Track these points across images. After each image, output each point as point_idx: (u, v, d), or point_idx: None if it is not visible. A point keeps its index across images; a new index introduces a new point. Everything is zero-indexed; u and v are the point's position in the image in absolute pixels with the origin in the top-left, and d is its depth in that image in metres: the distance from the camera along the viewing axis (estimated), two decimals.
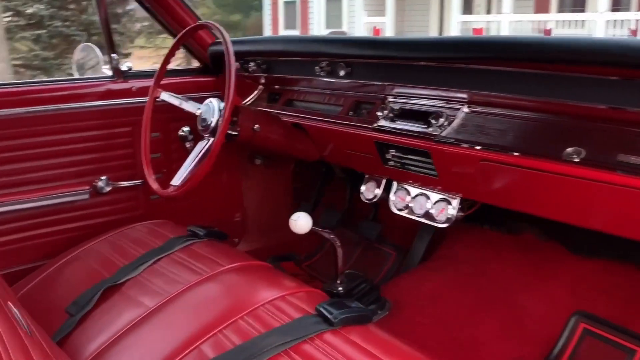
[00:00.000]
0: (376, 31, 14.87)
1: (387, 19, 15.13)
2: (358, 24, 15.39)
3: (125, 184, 1.96)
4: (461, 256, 1.82)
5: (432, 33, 14.79)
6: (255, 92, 2.06)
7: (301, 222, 1.43)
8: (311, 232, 2.39)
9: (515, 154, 1.24)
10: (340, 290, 1.56)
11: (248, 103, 2.04)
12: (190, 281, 1.32)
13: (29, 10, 10.73)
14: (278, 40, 1.83)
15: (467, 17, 13.89)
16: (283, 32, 17.09)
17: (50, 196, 1.79)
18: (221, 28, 1.54)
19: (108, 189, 1.92)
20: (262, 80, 2.02)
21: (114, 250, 1.56)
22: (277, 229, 2.38)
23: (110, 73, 1.92)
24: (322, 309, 1.11)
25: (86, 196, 1.86)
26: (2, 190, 1.70)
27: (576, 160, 1.14)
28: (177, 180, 1.61)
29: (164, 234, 1.60)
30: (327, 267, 2.24)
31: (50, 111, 1.78)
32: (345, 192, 2.33)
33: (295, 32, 16.64)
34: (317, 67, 1.66)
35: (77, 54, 1.96)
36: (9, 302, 0.66)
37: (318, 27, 16.33)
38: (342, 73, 1.60)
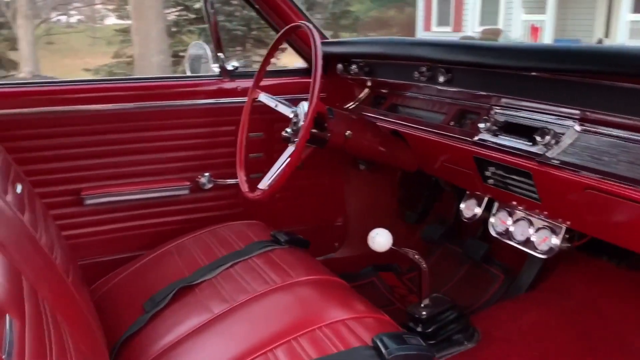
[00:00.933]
0: (534, 30, 14.00)
1: (547, 17, 14.15)
2: (515, 22, 14.58)
3: (227, 181, 1.98)
4: (570, 289, 1.60)
5: (598, 33, 13.58)
6: (361, 94, 1.99)
7: (379, 240, 1.33)
8: (417, 244, 2.27)
9: (629, 185, 1.04)
10: (424, 314, 1.44)
11: (352, 106, 1.97)
12: (257, 291, 1.28)
13: (197, 6, 11.57)
14: (378, 43, 1.73)
15: (638, 16, 12.58)
16: (435, 28, 16.72)
17: (154, 189, 1.86)
18: (313, 29, 1.48)
19: (210, 185, 1.95)
20: (369, 83, 1.94)
21: (200, 249, 1.57)
22: None
23: (218, 71, 1.94)
24: (378, 341, 1.01)
25: (187, 191, 1.91)
26: (109, 181, 1.79)
27: None
28: (264, 183, 1.59)
29: (249, 237, 1.58)
30: (430, 284, 2.11)
31: (160, 107, 1.84)
32: (452, 205, 2.17)
33: (447, 29, 16.20)
34: (416, 72, 1.54)
35: (190, 51, 2.01)
36: (7, 314, 0.66)
37: (472, 24, 15.74)
38: (441, 79, 1.46)
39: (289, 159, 1.50)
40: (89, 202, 1.77)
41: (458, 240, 2.10)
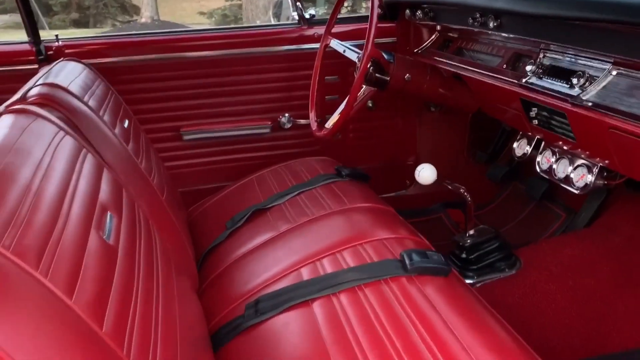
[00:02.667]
0: None
1: None
2: None
3: (305, 121, 2.19)
4: (617, 226, 1.67)
5: None
6: (432, 38, 2.09)
7: (425, 174, 1.49)
8: (486, 184, 2.38)
9: None
10: (468, 242, 1.59)
11: (421, 50, 2.08)
12: (316, 215, 1.50)
13: None
14: None
15: None
16: None
17: (240, 127, 2.12)
18: None
19: (289, 125, 2.18)
20: (438, 28, 2.04)
21: (275, 179, 1.81)
22: (448, 176, 2.41)
23: (297, 19, 2.13)
24: (404, 255, 1.19)
25: (268, 130, 2.15)
26: (203, 120, 2.07)
27: None
28: (329, 123, 1.78)
29: (316, 170, 1.80)
30: (494, 221, 2.22)
31: (246, 54, 2.07)
32: None
33: None
34: (470, 18, 1.63)
35: (274, 0, 2.21)
36: (109, 212, 0.91)
37: None
38: (492, 25, 1.55)
39: (346, 101, 1.68)
40: (186, 137, 2.07)
41: (522, 180, 2.19)
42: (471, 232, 1.62)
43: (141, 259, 0.94)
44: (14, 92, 1.37)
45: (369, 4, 1.74)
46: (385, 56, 1.73)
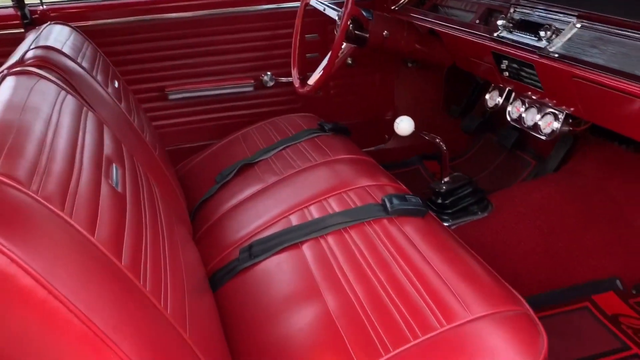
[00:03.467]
0: None
1: None
2: None
3: (287, 79, 2.26)
4: (583, 170, 1.79)
5: None
6: None
7: (403, 125, 1.58)
8: (461, 136, 2.49)
9: (610, 75, 1.22)
10: (443, 189, 1.70)
11: (398, 7, 2.15)
12: (302, 167, 1.59)
13: None
14: None
15: None
16: None
17: (224, 86, 2.18)
18: None
19: (271, 83, 2.25)
20: None
21: (261, 136, 1.89)
22: (425, 129, 2.51)
23: None
24: (385, 199, 1.30)
25: (251, 88, 2.21)
26: (186, 79, 2.13)
27: None
28: (312, 79, 1.85)
29: (300, 126, 1.88)
30: (469, 170, 2.34)
31: (226, 14, 2.12)
32: None
33: None
34: None
35: None
36: (114, 164, 0.99)
37: None
38: None
39: (328, 57, 1.75)
40: (172, 97, 2.13)
41: (494, 130, 2.30)
42: (446, 179, 1.72)
43: (146, 206, 1.02)
44: (2, 55, 1.42)
45: None
46: (365, 14, 1.80)
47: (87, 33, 1.76)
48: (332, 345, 0.97)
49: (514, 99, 1.67)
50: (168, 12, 2.07)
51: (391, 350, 0.92)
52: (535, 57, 1.43)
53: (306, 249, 1.24)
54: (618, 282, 1.55)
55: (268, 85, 2.24)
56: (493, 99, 1.78)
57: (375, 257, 1.16)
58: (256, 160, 1.72)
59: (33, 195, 0.70)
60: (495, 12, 1.68)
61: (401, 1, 2.17)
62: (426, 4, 2.03)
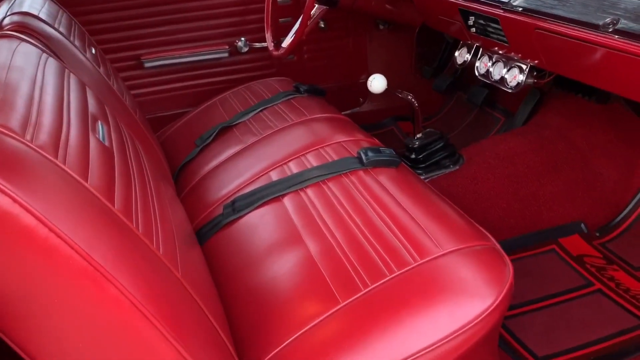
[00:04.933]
0: None
1: None
2: None
3: (261, 45, 2.29)
4: (549, 122, 1.88)
5: None
6: None
7: (375, 83, 1.64)
8: (433, 96, 2.55)
9: (565, 24, 1.28)
10: (416, 144, 1.77)
11: None
12: (279, 126, 1.64)
13: None
14: None
15: None
16: None
17: (199, 53, 2.21)
18: None
19: (246, 49, 2.27)
20: None
21: (238, 100, 1.93)
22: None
23: None
24: (361, 152, 1.36)
25: (226, 54, 2.24)
26: (162, 47, 2.15)
27: (610, 30, 1.17)
28: (285, 42, 1.89)
29: (277, 89, 1.92)
30: (441, 129, 2.41)
31: None
32: None
33: None
34: None
35: None
36: (99, 121, 1.03)
37: None
38: None
39: (300, 19, 1.79)
40: (147, 65, 2.15)
41: (465, 89, 2.37)
42: (419, 135, 1.79)
43: (132, 161, 1.07)
44: None
45: None
46: None
47: (61, 2, 1.77)
48: (315, 284, 1.03)
49: (482, 55, 1.73)
50: None
51: (369, 284, 0.99)
52: (499, 12, 1.49)
53: (287, 201, 1.29)
54: (583, 225, 1.64)
55: (243, 51, 2.27)
56: (462, 56, 1.84)
57: (352, 205, 1.22)
58: (235, 122, 1.77)
59: (28, 143, 0.74)
60: None
61: None
62: None
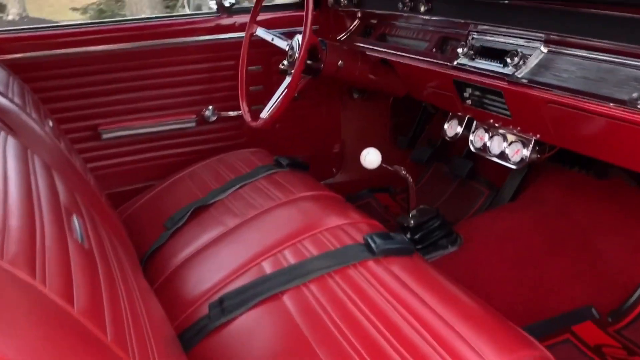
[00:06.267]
0: None
1: None
2: None
3: (230, 113, 2.13)
4: (544, 197, 1.79)
5: None
6: (352, 25, 2.10)
7: (370, 158, 1.50)
8: (409, 167, 2.45)
9: (584, 98, 1.20)
10: (411, 224, 1.63)
11: (344, 37, 2.09)
12: (264, 206, 1.46)
13: None
14: None
15: None
16: None
17: (163, 123, 2.02)
18: None
19: (214, 117, 2.11)
20: (359, 14, 2.06)
21: (210, 175, 1.74)
22: None
23: (215, 8, 2.07)
24: (368, 239, 1.20)
25: (193, 124, 2.07)
26: (120, 116, 1.95)
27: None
28: (265, 113, 1.74)
29: (254, 162, 1.75)
30: (420, 202, 2.29)
31: (163, 45, 1.97)
32: (440, 128, 2.33)
33: None
34: (400, 3, 1.66)
35: None
36: (74, 214, 0.83)
37: None
38: (422, 9, 1.59)
39: (286, 90, 1.65)
40: (105, 136, 1.94)
41: (446, 160, 2.28)
42: (413, 212, 1.65)
43: (113, 261, 0.86)
44: None
45: None
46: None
47: (10, 67, 1.57)
48: None
49: (477, 128, 1.63)
50: (98, 44, 1.89)
51: None
52: (504, 84, 1.39)
53: (287, 299, 1.11)
54: (593, 310, 1.52)
55: (210, 120, 2.11)
56: (452, 128, 1.74)
57: (368, 303, 1.05)
58: (211, 201, 1.58)
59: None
60: (451, 40, 1.66)
61: (346, 31, 2.12)
62: (373, 34, 1.99)
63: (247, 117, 1.81)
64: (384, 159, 2.42)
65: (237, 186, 1.61)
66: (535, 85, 1.31)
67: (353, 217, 1.37)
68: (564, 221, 1.67)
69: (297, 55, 1.69)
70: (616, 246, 1.58)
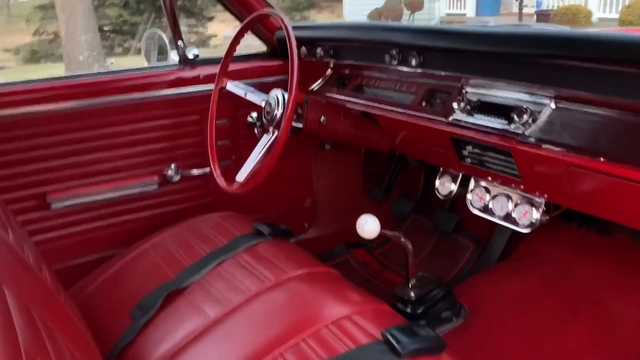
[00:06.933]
0: None
1: None
2: None
3: (195, 172, 1.93)
4: (545, 256, 1.67)
5: None
6: (324, 75, 1.96)
7: (369, 227, 1.34)
8: (385, 219, 2.31)
9: (611, 162, 1.09)
10: (412, 296, 1.47)
11: (316, 88, 1.95)
12: (252, 290, 1.27)
13: None
14: (345, 27, 1.72)
15: None
16: None
17: (121, 187, 1.80)
18: (285, 20, 1.45)
19: (177, 177, 1.90)
20: (331, 65, 1.92)
21: (180, 247, 1.54)
22: (348, 214, 2.30)
23: (177, 60, 1.88)
24: (389, 336, 1.02)
25: (155, 186, 1.85)
26: (74, 182, 1.72)
27: None
28: (241, 175, 1.56)
29: (229, 230, 1.56)
30: (400, 256, 2.15)
31: (119, 102, 1.76)
32: (419, 178, 2.21)
33: None
34: (387, 56, 1.53)
35: (145, 42, 1.93)
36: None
37: None
38: (414, 62, 1.47)
39: (265, 151, 1.49)
40: (55, 205, 1.70)
41: (427, 213, 2.15)
42: (412, 282, 1.49)
43: None
44: None
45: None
46: None
47: None
48: None
49: (475, 186, 1.51)
50: (45, 102, 1.66)
51: None
52: (513, 144, 1.28)
53: None
54: None
55: (174, 180, 1.90)
56: (445, 186, 1.61)
57: None
58: (185, 284, 1.37)
59: None
60: (440, 92, 1.54)
61: (318, 82, 1.98)
62: (349, 85, 1.85)
63: (221, 182, 1.62)
64: (358, 211, 2.27)
65: (215, 263, 1.41)
66: (551, 147, 1.20)
67: (359, 302, 1.20)
68: (572, 283, 1.56)
69: (276, 112, 1.54)
70: (629, 306, 1.48)
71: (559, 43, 1.14)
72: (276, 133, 1.55)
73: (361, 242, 2.26)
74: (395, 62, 1.52)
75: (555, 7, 11.81)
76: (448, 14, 14.45)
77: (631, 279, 1.53)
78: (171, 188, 1.91)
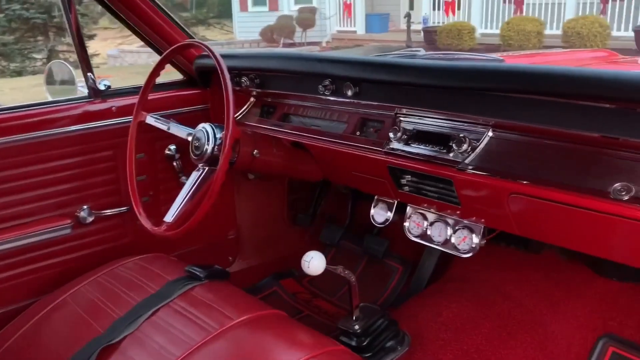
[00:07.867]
0: (347, 6, 14.59)
1: None
2: None
3: (110, 212, 1.79)
4: (478, 277, 1.71)
5: (404, 7, 14.43)
6: (246, 105, 1.90)
7: (315, 264, 1.30)
8: (311, 244, 2.28)
9: (553, 188, 1.12)
10: (357, 329, 1.44)
11: (239, 117, 1.88)
12: (197, 341, 1.18)
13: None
14: (274, 57, 1.67)
15: None
16: (251, 8, 16.59)
17: (30, 234, 1.62)
18: (211, 48, 1.38)
19: (91, 219, 1.75)
20: (254, 93, 1.86)
21: (105, 297, 1.41)
22: (273, 244, 2.25)
23: (86, 92, 1.74)
24: None
25: (68, 230, 1.69)
26: None
27: (626, 198, 1.03)
28: (170, 216, 1.46)
29: (159, 275, 1.45)
30: (329, 283, 2.12)
31: (22, 141, 1.60)
32: (346, 204, 2.20)
33: (264, 9, 16.18)
34: (320, 86, 1.50)
35: (48, 73, 1.77)
36: None
37: (288, 3, 15.91)
38: (349, 93, 1.45)
39: (202, 186, 1.40)
40: None
41: (355, 239, 2.14)
42: (356, 313, 1.46)
43: None
44: None
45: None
46: None
47: None
48: None
49: (412, 213, 1.51)
50: None
51: None
52: (453, 173, 1.29)
53: None
54: None
55: (87, 222, 1.75)
56: (380, 214, 1.60)
57: None
58: (118, 338, 1.25)
59: None
60: (372, 121, 1.53)
61: (241, 111, 1.91)
62: (275, 114, 1.80)
63: (147, 224, 1.50)
64: (284, 239, 2.22)
65: (150, 312, 1.30)
66: (491, 175, 1.22)
67: (313, 346, 1.15)
68: (507, 304, 1.60)
69: (207, 147, 1.46)
70: (561, 323, 1.54)
71: (495, 76, 1.16)
72: (206, 169, 1.47)
73: (289, 272, 2.21)
74: (328, 93, 1.50)
75: (441, 24, 12.35)
76: (339, 31, 14.78)
77: (560, 293, 1.60)
78: (85, 230, 1.76)
